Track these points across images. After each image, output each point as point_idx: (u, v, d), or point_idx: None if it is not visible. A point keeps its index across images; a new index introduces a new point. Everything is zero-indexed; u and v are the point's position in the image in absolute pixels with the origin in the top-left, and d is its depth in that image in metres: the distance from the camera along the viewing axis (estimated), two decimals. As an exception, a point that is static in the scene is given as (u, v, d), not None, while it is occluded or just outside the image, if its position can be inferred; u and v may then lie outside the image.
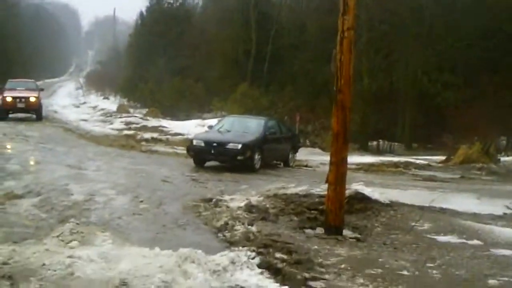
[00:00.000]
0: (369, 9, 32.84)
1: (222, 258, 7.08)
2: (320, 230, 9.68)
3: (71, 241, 7.61)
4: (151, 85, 43.38)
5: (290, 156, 19.79)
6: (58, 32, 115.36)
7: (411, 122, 32.90)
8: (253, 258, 7.24)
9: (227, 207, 10.80)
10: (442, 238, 9.41)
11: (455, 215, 11.34)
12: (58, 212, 9.97)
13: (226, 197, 11.62)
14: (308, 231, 9.75)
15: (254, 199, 11.32)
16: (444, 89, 32.67)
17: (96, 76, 67.67)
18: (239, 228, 9.23)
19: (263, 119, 19.44)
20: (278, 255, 7.71)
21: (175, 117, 35.87)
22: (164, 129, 29.02)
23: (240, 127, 18.47)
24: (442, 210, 11.63)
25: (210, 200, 11.41)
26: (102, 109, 39.59)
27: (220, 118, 22.25)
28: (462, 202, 12.77)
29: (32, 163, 16.18)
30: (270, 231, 9.17)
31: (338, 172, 9.35)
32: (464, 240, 9.28)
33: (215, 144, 17.03)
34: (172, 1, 53.00)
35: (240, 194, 12.07)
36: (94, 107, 42.17)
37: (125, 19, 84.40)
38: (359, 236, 9.52)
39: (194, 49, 44.66)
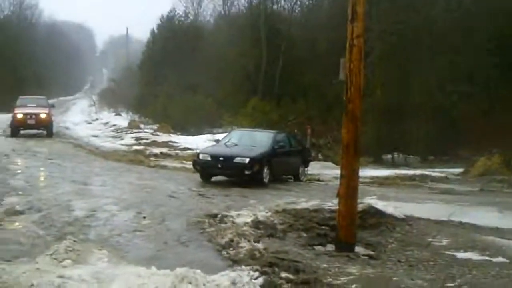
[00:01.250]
0: (381, 21, 32.28)
1: (223, 278, 6.62)
2: (330, 247, 9.20)
3: (64, 259, 7.22)
4: (162, 100, 43.11)
5: (301, 170, 19.21)
6: (73, 51, 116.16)
7: (426, 134, 32.11)
8: (256, 278, 6.76)
9: (233, 223, 10.31)
10: (462, 255, 8.78)
11: (476, 229, 10.70)
12: (57, 228, 9.63)
13: (233, 213, 11.13)
14: (318, 248, 9.27)
15: (262, 215, 10.83)
16: (460, 100, 31.97)
17: (109, 94, 67.60)
18: (245, 245, 8.75)
19: (271, 133, 18.93)
20: (284, 274, 7.18)
21: (185, 132, 35.46)
22: (174, 144, 28.59)
23: (248, 141, 17.95)
24: (462, 225, 10.99)
25: (216, 215, 10.92)
26: (114, 125, 39.39)
27: (227, 132, 21.66)
28: (483, 216, 12.13)
29: (37, 178, 15.84)
30: (277, 248, 8.68)
31: (349, 186, 8.85)
32: (487, 257, 8.61)
33: (221, 158, 16.48)
34: (183, 19, 52.85)
35: (248, 210, 11.57)
36: (106, 123, 41.99)
37: (139, 38, 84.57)
38: (372, 253, 8.99)
39: (205, 65, 44.34)
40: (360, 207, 10.65)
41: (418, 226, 10.49)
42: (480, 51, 31.92)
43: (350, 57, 8.76)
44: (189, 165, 20.07)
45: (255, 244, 8.81)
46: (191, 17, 56.61)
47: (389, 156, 30.79)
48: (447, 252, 8.92)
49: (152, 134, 32.17)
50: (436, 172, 23.29)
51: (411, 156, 31.15)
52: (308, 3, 45.78)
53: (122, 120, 43.73)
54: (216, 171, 16.74)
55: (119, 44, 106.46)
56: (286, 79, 40.09)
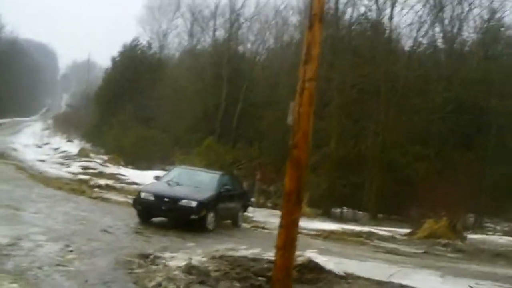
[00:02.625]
0: (343, 72, 32.42)
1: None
2: (263, 300, 8.65)
3: (-35, 291, 6.54)
4: (116, 131, 42.36)
5: (240, 214, 18.21)
6: (33, 72, 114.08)
7: (378, 191, 32.06)
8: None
9: (165, 265, 9.76)
10: (397, 320, 8.40)
11: (415, 293, 10.33)
12: (-30, 256, 8.87)
13: (167, 255, 10.60)
14: (250, 299, 8.71)
15: (197, 259, 10.28)
16: (414, 160, 32.15)
17: (65, 119, 66.50)
18: (172, 291, 8.20)
19: (217, 174, 17.77)
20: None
21: (136, 166, 34.69)
22: (121, 177, 27.84)
23: (191, 181, 16.66)
24: (402, 287, 10.58)
25: (148, 256, 10.34)
26: (63, 152, 38.44)
27: (168, 169, 20.33)
28: (424, 279, 11.85)
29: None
30: (206, 297, 8.14)
31: (287, 237, 8.34)
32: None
33: (166, 199, 15.12)
34: (145, 49, 52.33)
35: (184, 253, 11.10)
36: (56, 149, 41.00)
37: (103, 65, 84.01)
38: (305, 310, 8.49)
39: (164, 99, 43.91)
40: (299, 260, 10.25)
41: (357, 285, 10.04)
42: (437, 113, 32.39)
43: (300, 100, 8.33)
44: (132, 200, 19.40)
45: (184, 290, 8.29)
46: (155, 49, 56.28)
47: (338, 210, 30.54)
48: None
49: (101, 164, 31.36)
50: (383, 231, 22.94)
51: (360, 212, 30.96)
52: (274, 47, 45.92)
53: (73, 147, 42.79)
54: (159, 213, 15.39)
55: (82, 70, 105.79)
56: (244, 121, 40.01)
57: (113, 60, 55.75)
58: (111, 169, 30.11)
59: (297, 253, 10.48)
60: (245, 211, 19.05)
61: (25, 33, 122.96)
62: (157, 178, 18.06)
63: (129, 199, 20.43)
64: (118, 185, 24.83)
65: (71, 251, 10.19)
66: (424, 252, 18.12)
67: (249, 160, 30.83)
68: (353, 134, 33.54)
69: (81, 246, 10.76)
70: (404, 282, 10.92)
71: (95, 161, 32.67)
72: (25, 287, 7.37)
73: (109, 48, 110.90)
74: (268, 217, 21.69)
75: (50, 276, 8.32)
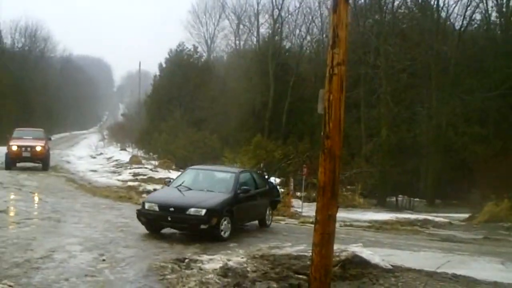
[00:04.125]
0: (389, 56, 31.37)
1: None
2: (302, 301, 8.09)
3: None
4: (166, 136, 42.42)
5: (267, 213, 16.21)
6: (90, 86, 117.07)
7: (435, 176, 30.98)
8: None
9: (200, 269, 9.30)
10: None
11: (471, 284, 9.41)
12: (0, 270, 8.63)
13: (204, 257, 10.13)
14: (286, 301, 8.16)
15: (235, 261, 9.82)
16: (472, 142, 30.92)
17: (119, 128, 67.19)
18: (204, 296, 7.75)
19: (234, 172, 15.37)
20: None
21: (188, 169, 34.46)
22: (171, 181, 27.56)
23: (205, 183, 14.76)
24: (455, 277, 9.71)
25: (183, 260, 9.89)
26: (116, 160, 38.56)
27: (181, 172, 17.78)
28: (482, 267, 10.92)
29: (9, 213, 14.98)
30: (239, 300, 7.65)
31: (324, 232, 7.70)
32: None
33: (172, 209, 13.06)
34: (191, 53, 52.31)
35: (224, 254, 10.61)
36: (109, 158, 41.21)
37: (155, 73, 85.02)
38: (347, 309, 7.90)
39: (212, 100, 43.83)
40: (343, 255, 9.71)
41: (405, 278, 9.33)
42: (494, 91, 31.03)
43: (330, 87, 7.69)
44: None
45: (217, 295, 7.83)
46: (203, 52, 56.50)
47: (394, 198, 29.51)
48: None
49: (151, 170, 31.23)
50: (440, 217, 21.98)
51: (417, 199, 29.87)
52: (319, 38, 45.14)
53: (126, 155, 42.98)
54: (166, 224, 13.35)
55: (136, 80, 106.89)
56: (293, 116, 39.54)
57: (160, 67, 56.33)
58: (161, 174, 29.88)
59: (342, 247, 9.97)
60: (274, 208, 17.27)
61: (79, 49, 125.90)
62: (168, 182, 15.90)
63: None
64: (166, 189, 24.55)
65: (104, 260, 9.89)
66: (484, 238, 17.09)
67: (298, 155, 30.05)
68: (405, 120, 32.47)
69: (116, 254, 10.46)
70: (459, 271, 10.11)
71: (145, 167, 32.61)
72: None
73: (160, 56, 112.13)
74: (318, 212, 21.06)
75: (75, 288, 8.01)
